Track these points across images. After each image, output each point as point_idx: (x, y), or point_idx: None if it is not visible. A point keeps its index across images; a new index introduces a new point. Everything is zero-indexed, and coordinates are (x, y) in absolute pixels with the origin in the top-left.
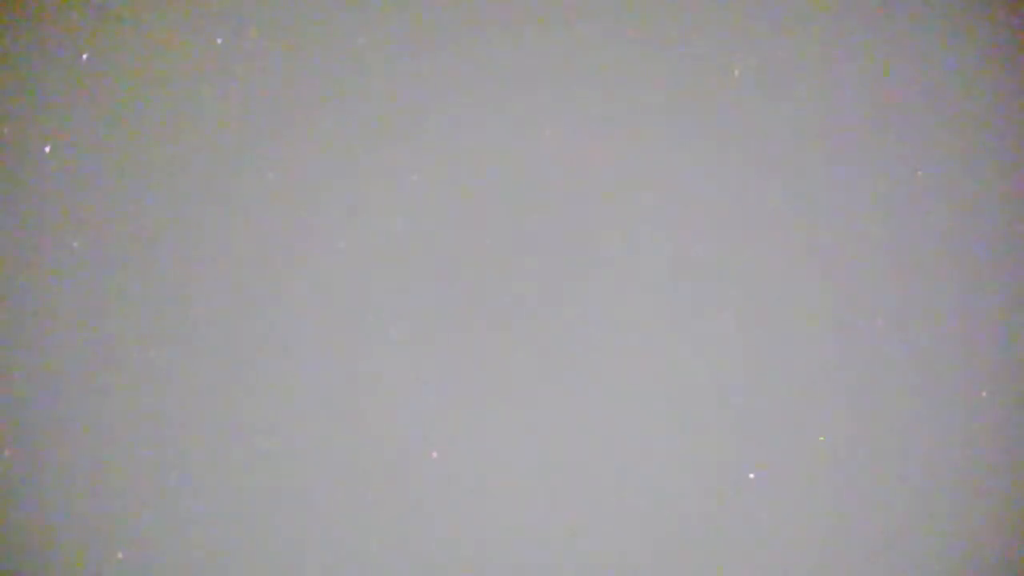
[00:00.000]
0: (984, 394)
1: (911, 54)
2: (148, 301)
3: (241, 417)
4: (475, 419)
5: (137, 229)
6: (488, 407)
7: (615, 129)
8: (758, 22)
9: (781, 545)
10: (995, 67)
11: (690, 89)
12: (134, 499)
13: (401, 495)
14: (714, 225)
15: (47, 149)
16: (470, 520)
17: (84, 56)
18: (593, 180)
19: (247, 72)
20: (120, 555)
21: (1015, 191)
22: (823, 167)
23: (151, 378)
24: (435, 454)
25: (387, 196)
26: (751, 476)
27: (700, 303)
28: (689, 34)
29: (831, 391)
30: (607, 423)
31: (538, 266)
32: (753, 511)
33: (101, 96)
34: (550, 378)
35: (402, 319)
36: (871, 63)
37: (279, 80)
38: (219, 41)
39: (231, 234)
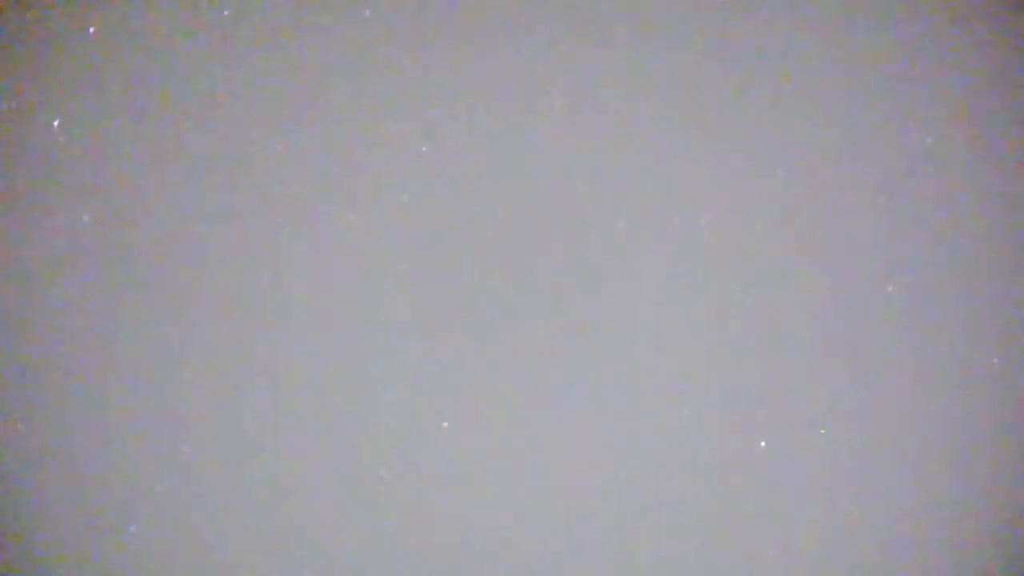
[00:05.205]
0: (997, 360)
1: (922, 26)
2: (158, 274)
3: (252, 391)
4: (485, 389)
5: (146, 202)
6: (497, 377)
7: (620, 122)
8: (761, 14)
9: (787, 518)
10: (1007, 32)
11: (696, 75)
12: (146, 473)
13: (412, 464)
14: (720, 196)
15: (55, 123)
16: (480, 488)
17: (91, 29)
18: (597, 165)
19: (254, 45)
20: (133, 529)
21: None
22: (829, 137)
23: (162, 350)
24: (446, 424)
25: (393, 173)
26: (762, 443)
27: (706, 273)
28: (694, 28)
29: (836, 366)
30: (616, 395)
31: (545, 244)
32: (759, 484)
33: (108, 70)
34: (559, 351)
35: (412, 295)
36: (878, 38)
37: (287, 53)
38: (225, 13)
39: (241, 206)
